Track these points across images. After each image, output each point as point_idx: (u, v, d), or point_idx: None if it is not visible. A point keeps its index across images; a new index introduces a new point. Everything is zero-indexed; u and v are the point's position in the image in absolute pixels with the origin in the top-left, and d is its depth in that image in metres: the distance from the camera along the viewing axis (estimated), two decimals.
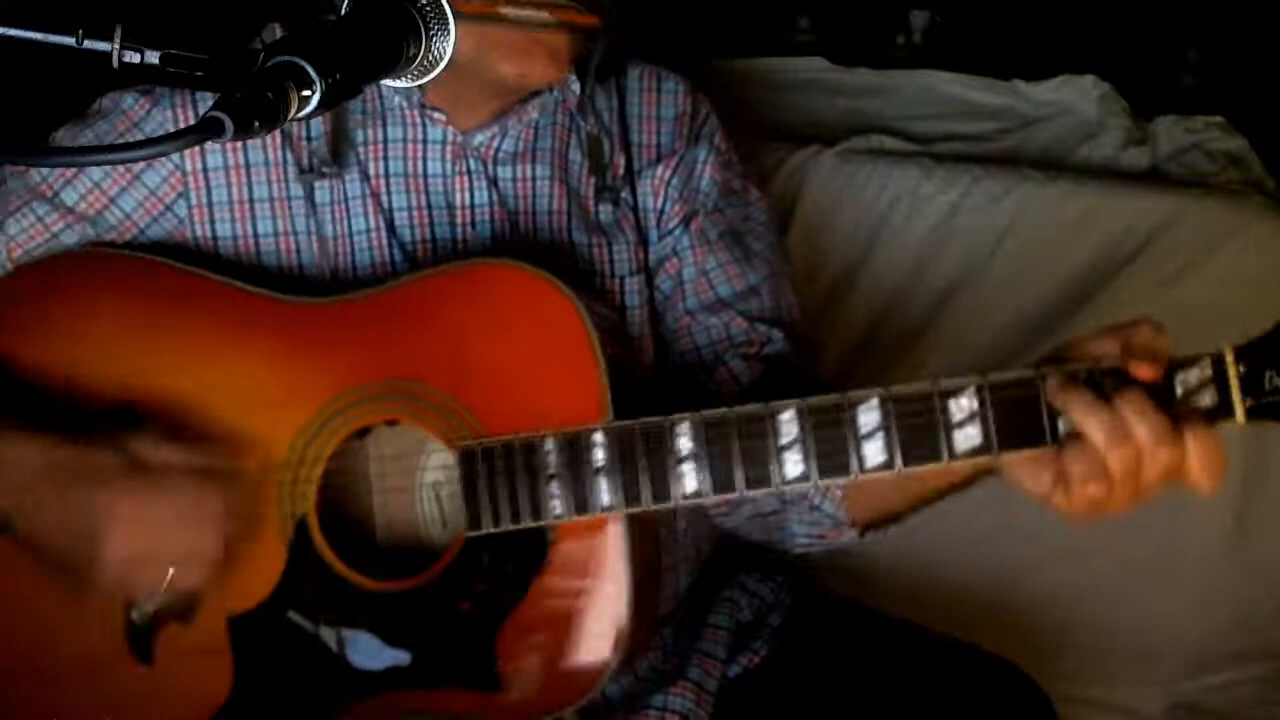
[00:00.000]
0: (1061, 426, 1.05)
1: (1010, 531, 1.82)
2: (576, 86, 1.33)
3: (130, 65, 0.85)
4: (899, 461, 1.07)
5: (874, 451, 1.08)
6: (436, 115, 1.29)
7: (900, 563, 1.81)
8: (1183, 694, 1.83)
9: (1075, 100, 2.21)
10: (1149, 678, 1.82)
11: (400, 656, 1.19)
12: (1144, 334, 1.04)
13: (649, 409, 1.14)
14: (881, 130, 2.18)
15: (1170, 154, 2.11)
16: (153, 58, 0.86)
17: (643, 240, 1.36)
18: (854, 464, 1.08)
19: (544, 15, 1.18)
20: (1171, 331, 1.86)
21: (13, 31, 0.84)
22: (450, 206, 1.30)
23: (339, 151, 1.28)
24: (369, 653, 1.19)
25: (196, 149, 1.27)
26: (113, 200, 1.29)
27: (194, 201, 1.28)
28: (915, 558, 1.81)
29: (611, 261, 1.34)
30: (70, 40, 0.85)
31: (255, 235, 1.29)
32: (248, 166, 1.29)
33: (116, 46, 0.85)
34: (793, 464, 1.10)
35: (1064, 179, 2.00)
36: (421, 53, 0.95)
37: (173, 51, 0.86)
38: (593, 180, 1.34)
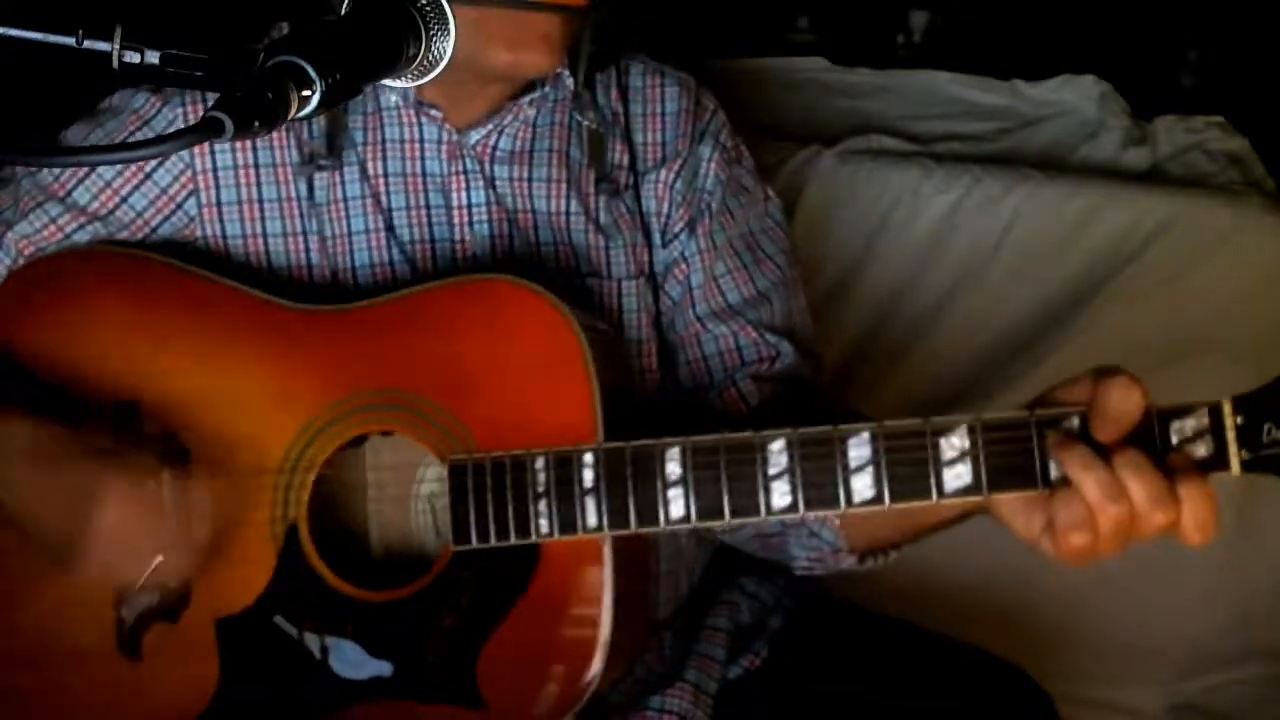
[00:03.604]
0: (1053, 471, 1.03)
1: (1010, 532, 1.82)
2: (571, 82, 1.33)
3: (130, 65, 0.85)
4: (887, 497, 1.06)
5: (863, 486, 1.06)
6: (433, 112, 1.29)
7: (901, 564, 1.81)
8: (1183, 694, 1.83)
9: (1075, 100, 2.21)
10: (1149, 678, 1.82)
11: (383, 667, 1.18)
12: (1115, 393, 0.99)
13: (649, 420, 1.13)
14: (881, 130, 2.18)
15: (1170, 154, 2.11)
16: (153, 58, 0.86)
17: (647, 243, 1.36)
18: (842, 497, 1.07)
19: None
20: (1171, 332, 1.89)
21: (13, 31, 0.84)
22: (448, 206, 1.30)
23: (335, 145, 1.28)
24: (352, 662, 1.19)
25: (206, 148, 1.27)
26: (124, 199, 1.29)
27: (204, 200, 1.29)
28: (916, 559, 1.81)
29: (609, 264, 1.34)
30: (70, 40, 0.85)
31: (264, 235, 1.29)
32: (257, 166, 1.29)
33: (116, 46, 0.85)
34: (780, 494, 1.08)
35: (1064, 179, 2.00)
36: (421, 53, 0.96)
37: (173, 51, 0.86)
38: (593, 174, 1.34)
